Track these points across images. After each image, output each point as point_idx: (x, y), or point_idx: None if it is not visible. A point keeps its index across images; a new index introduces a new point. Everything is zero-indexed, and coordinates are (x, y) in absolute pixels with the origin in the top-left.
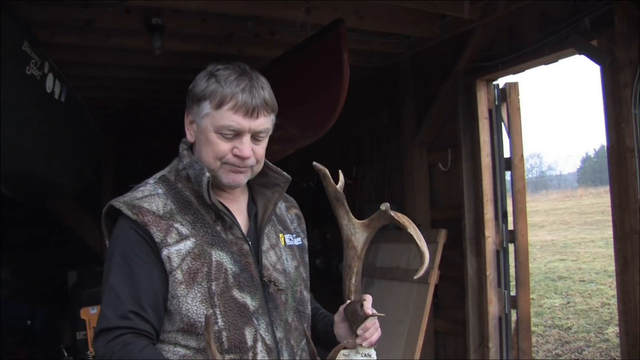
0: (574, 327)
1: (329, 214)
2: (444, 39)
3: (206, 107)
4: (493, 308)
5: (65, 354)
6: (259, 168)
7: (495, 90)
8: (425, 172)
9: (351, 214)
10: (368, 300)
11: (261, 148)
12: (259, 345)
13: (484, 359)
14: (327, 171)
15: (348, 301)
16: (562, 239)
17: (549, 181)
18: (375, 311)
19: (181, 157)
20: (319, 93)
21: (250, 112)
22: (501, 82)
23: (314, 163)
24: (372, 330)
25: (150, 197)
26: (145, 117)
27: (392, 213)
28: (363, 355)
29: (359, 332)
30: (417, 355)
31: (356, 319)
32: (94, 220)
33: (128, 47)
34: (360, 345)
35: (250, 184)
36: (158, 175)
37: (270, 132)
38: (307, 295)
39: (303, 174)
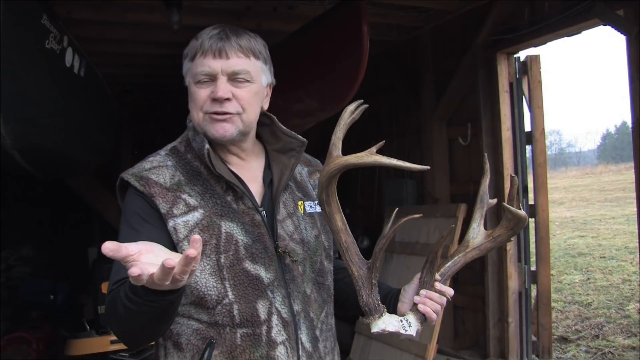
0: (594, 303)
1: (348, 189)
2: (464, 12)
3: (186, 64)
4: (513, 283)
5: (88, 327)
6: (249, 117)
7: (516, 63)
8: (444, 146)
9: (483, 223)
10: (449, 289)
11: (245, 92)
12: (274, 319)
13: (503, 334)
14: (488, 171)
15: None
16: (582, 215)
17: (568, 158)
18: (446, 290)
19: (188, 129)
20: (338, 66)
21: (218, 52)
22: (522, 54)
23: (485, 155)
24: (433, 302)
25: (158, 168)
26: (162, 93)
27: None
28: (404, 320)
29: (422, 292)
30: (436, 329)
31: (426, 284)
32: (112, 196)
33: (146, 23)
34: (411, 310)
35: (266, 150)
36: (169, 146)
37: (259, 79)
38: (328, 265)
39: (321, 149)
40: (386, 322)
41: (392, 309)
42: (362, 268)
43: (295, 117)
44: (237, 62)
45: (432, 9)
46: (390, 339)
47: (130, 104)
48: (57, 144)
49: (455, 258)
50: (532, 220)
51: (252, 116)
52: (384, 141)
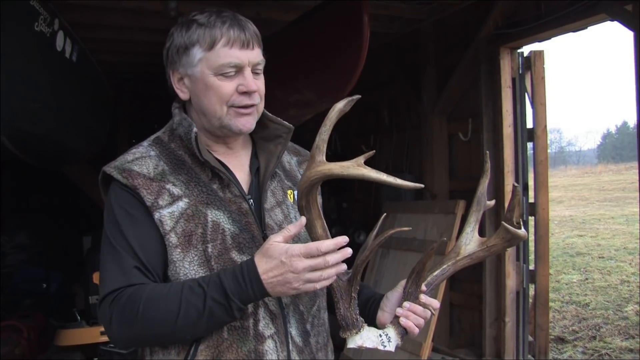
0: (592, 303)
1: (346, 183)
2: (467, 4)
3: (197, 52)
4: (511, 282)
5: (78, 317)
6: (262, 107)
7: (520, 58)
8: (444, 141)
9: (477, 228)
10: (435, 301)
11: (262, 83)
12: (261, 312)
13: (499, 333)
14: (489, 171)
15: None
16: (581, 214)
17: (568, 157)
18: (432, 303)
19: (173, 116)
20: (337, 56)
21: (246, 44)
22: (526, 50)
23: (487, 152)
24: (416, 316)
25: (141, 159)
26: (161, 81)
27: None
28: (383, 334)
29: (405, 304)
30: (432, 328)
31: (410, 295)
32: None
33: (143, 9)
34: (392, 323)
35: (252, 138)
36: (153, 137)
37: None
38: None
39: None
40: (364, 338)
41: (372, 317)
42: (342, 279)
43: (292, 107)
44: (258, 52)
45: (435, 1)
46: None
47: (129, 92)
48: (47, 131)
49: (445, 266)
50: (531, 218)
51: (263, 105)
52: (373, 151)
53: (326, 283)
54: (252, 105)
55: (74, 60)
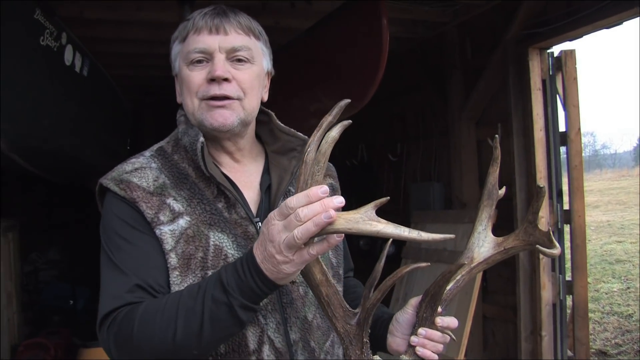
0: (636, 314)
1: (373, 194)
2: (493, 5)
3: (176, 47)
4: (546, 293)
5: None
6: (250, 103)
7: (550, 58)
8: (473, 148)
9: (490, 225)
10: (452, 321)
11: (246, 74)
12: (266, 349)
13: (536, 347)
14: (499, 156)
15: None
16: (619, 219)
17: (602, 160)
18: (450, 324)
19: (178, 125)
20: (357, 62)
21: (215, 29)
22: (556, 49)
23: (496, 137)
24: (434, 343)
25: (141, 170)
26: None
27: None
28: None
29: (420, 331)
30: (465, 341)
31: (425, 321)
32: None
33: (159, 21)
34: (407, 353)
35: (265, 152)
36: (156, 146)
37: (260, 61)
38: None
39: (347, 151)
40: None
41: (381, 340)
42: (350, 323)
43: (313, 117)
44: (237, 38)
45: (459, 3)
46: None
47: (151, 105)
48: (60, 147)
49: (458, 277)
50: (566, 226)
51: (254, 102)
52: (387, 198)
53: (312, 253)
54: (224, 97)
55: (85, 75)
